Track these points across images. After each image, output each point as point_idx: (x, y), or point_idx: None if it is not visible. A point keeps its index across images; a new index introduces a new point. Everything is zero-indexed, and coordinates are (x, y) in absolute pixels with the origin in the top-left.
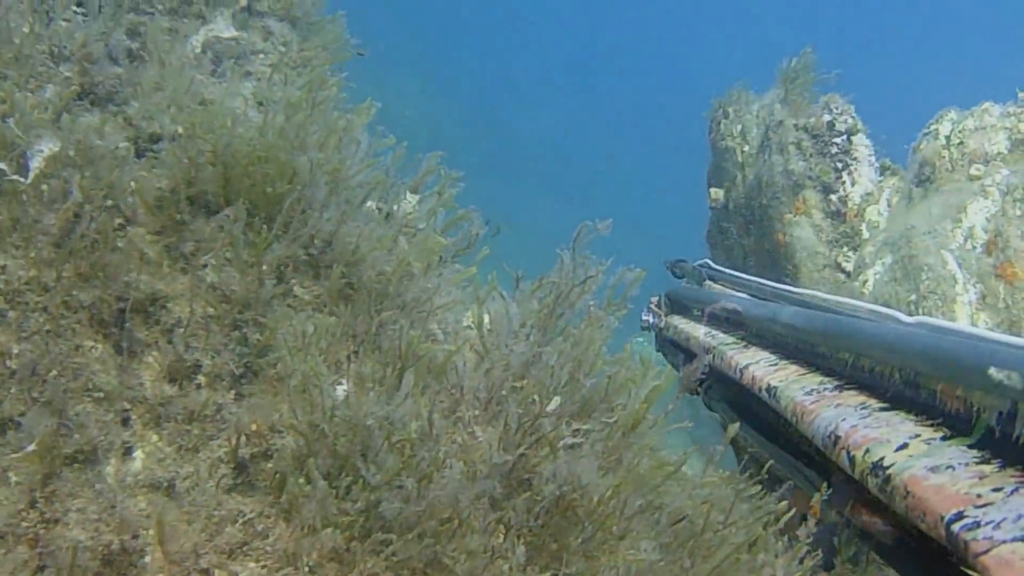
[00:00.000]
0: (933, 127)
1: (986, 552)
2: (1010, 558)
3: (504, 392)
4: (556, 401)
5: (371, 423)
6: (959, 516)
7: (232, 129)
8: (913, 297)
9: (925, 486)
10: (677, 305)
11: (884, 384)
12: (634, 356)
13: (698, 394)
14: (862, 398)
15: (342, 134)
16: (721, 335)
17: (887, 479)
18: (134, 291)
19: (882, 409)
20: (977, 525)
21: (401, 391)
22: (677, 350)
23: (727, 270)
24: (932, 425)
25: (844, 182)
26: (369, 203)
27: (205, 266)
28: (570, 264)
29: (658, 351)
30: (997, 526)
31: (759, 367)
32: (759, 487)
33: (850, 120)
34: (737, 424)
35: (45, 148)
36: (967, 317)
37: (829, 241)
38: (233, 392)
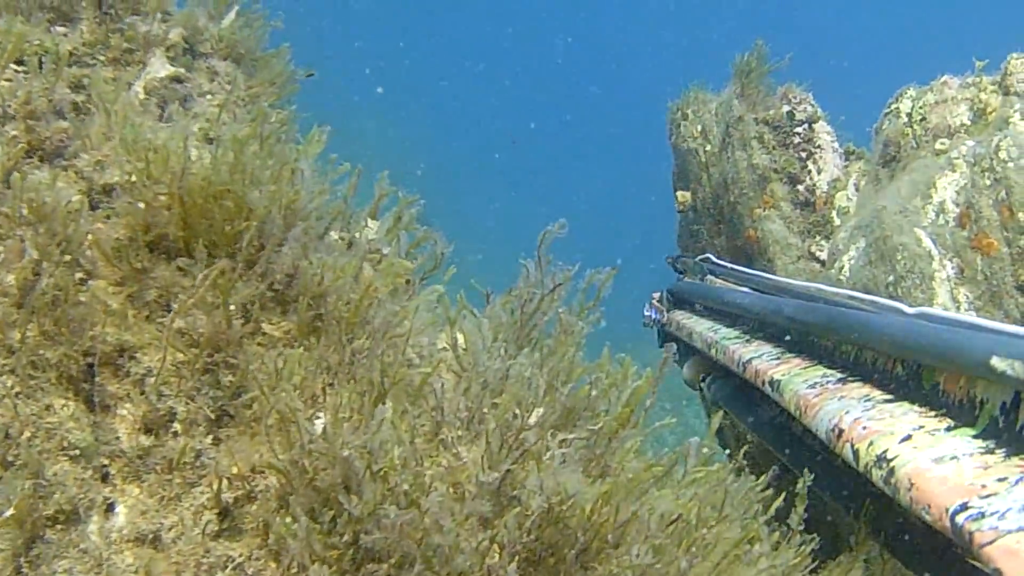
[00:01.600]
0: (893, 106)
1: (991, 543)
2: (1016, 547)
3: (485, 410)
4: (537, 413)
5: (347, 454)
6: (964, 507)
7: (185, 169)
8: (891, 279)
9: (929, 477)
10: (679, 301)
11: (887, 376)
12: (613, 360)
13: (700, 389)
14: (866, 390)
15: (294, 166)
16: (724, 329)
17: (891, 471)
18: (101, 344)
19: (886, 401)
20: (982, 516)
21: (376, 418)
22: (680, 345)
23: (729, 265)
24: (936, 416)
25: (810, 171)
26: (332, 234)
27: (170, 311)
28: (536, 273)
29: (661, 347)
30: (1002, 516)
31: (762, 361)
32: (749, 476)
33: (809, 108)
34: (720, 414)
35: None
36: (947, 293)
37: (801, 232)
38: (211, 437)
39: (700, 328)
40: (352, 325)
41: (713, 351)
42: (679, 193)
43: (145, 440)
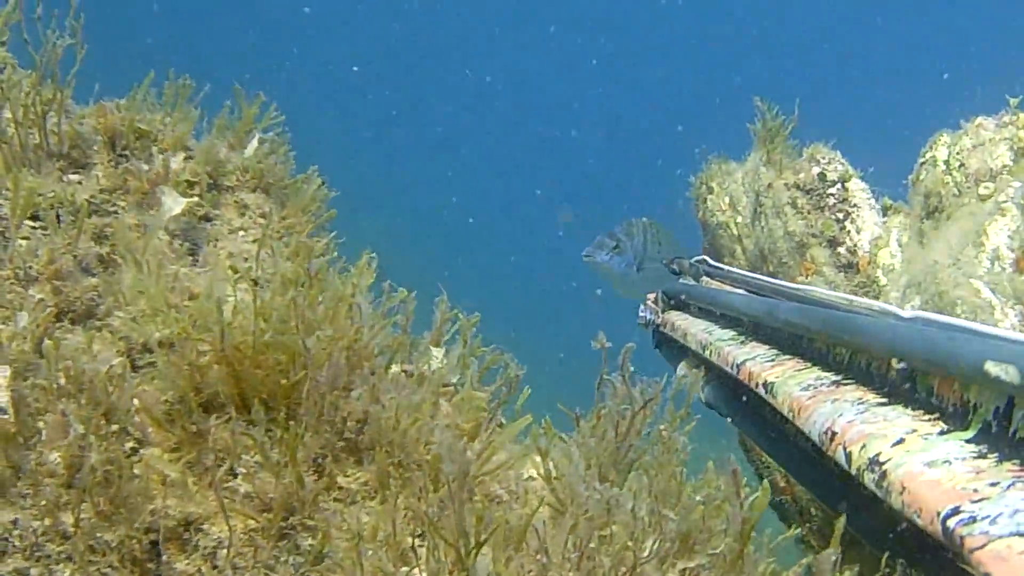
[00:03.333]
0: (929, 155)
1: (982, 547)
2: (1006, 553)
3: (592, 545)
4: (651, 542)
5: None
6: (955, 511)
7: (230, 321)
8: None
9: (921, 481)
10: (674, 301)
11: (882, 379)
12: (722, 469)
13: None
14: (859, 393)
15: (351, 301)
16: (719, 331)
17: (883, 475)
18: (163, 519)
19: (879, 404)
20: (973, 520)
21: (478, 572)
22: (674, 346)
23: (724, 266)
24: (929, 420)
25: (849, 231)
26: (394, 367)
27: (235, 476)
28: (624, 389)
29: (655, 348)
30: (993, 521)
31: (756, 363)
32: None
33: (840, 167)
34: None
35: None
36: None
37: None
38: None
39: (695, 329)
40: (436, 470)
41: (707, 352)
42: None
43: None
